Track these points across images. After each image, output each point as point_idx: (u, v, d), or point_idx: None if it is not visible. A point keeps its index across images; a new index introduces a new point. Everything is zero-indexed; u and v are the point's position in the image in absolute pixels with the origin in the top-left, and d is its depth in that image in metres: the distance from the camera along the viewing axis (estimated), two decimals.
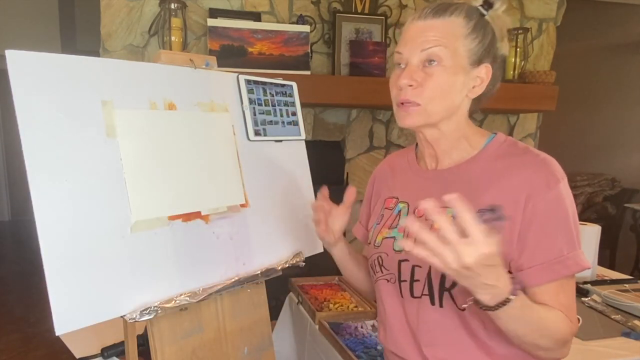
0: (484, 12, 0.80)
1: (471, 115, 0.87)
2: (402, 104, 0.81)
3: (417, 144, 0.95)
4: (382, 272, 0.92)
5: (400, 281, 0.88)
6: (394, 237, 0.90)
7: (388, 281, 0.91)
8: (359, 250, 1.09)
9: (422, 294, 0.84)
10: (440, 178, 0.87)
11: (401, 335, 0.90)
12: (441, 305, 0.82)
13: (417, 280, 0.84)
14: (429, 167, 0.90)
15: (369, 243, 0.98)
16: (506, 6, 0.82)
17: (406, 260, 0.86)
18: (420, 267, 0.84)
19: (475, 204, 0.79)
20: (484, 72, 0.81)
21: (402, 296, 0.88)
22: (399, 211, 0.92)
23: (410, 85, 0.79)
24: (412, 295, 0.86)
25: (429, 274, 0.82)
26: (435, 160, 0.89)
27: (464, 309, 0.79)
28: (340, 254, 1.02)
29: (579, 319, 1.35)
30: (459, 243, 0.59)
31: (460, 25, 0.78)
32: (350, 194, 0.95)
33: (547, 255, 0.74)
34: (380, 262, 0.92)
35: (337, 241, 0.99)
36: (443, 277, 0.80)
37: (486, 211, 0.64)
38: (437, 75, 0.78)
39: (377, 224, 0.97)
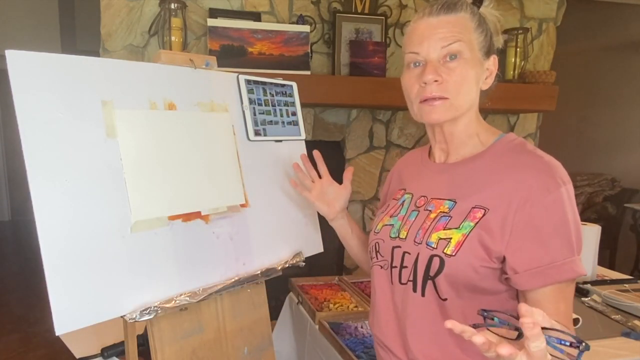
0: (476, 8, 0.83)
1: (481, 110, 0.88)
2: (426, 100, 0.82)
3: None
4: (378, 258, 0.94)
5: (391, 267, 0.89)
6: (392, 225, 0.92)
7: (382, 267, 0.92)
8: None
9: (407, 281, 0.85)
10: (446, 171, 0.88)
11: (386, 322, 0.91)
12: (423, 294, 0.82)
13: (406, 267, 0.86)
14: (438, 161, 0.92)
15: (371, 230, 1.00)
16: (493, 4, 0.85)
17: (399, 247, 0.88)
18: (409, 253, 0.85)
19: (475, 198, 0.80)
20: (493, 63, 0.85)
21: (392, 282, 0.89)
22: (403, 201, 0.94)
23: (436, 81, 0.80)
24: (400, 281, 0.87)
25: (416, 260, 0.83)
26: (446, 154, 0.91)
27: (445, 299, 0.79)
28: (341, 230, 1.11)
29: (579, 319, 1.36)
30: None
31: (469, 19, 0.81)
32: (348, 172, 1.07)
33: (542, 260, 0.73)
34: (377, 248, 0.94)
35: (336, 216, 1.08)
36: (428, 265, 0.81)
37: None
38: (460, 69, 0.80)
39: (382, 213, 0.99)
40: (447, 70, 0.80)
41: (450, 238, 0.79)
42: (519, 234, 0.75)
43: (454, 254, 0.78)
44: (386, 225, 0.94)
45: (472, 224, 0.78)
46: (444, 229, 0.81)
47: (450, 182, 0.86)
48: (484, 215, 0.78)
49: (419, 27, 0.83)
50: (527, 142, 0.85)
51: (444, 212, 0.83)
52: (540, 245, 0.74)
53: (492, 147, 0.85)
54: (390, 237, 0.91)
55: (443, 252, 0.79)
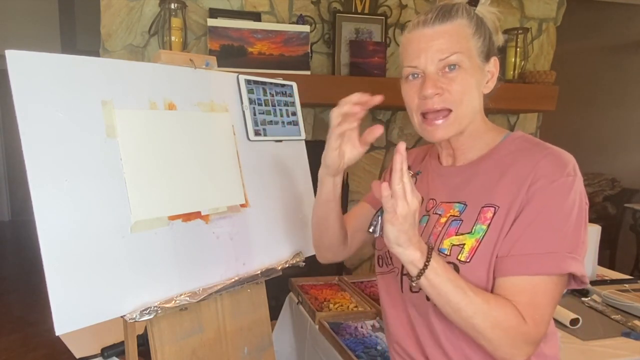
0: (472, 7, 0.81)
1: (486, 112, 0.87)
2: (426, 117, 0.80)
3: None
4: (391, 266, 0.92)
5: (402, 275, 0.88)
6: None
7: (396, 275, 0.91)
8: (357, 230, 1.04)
9: (420, 289, 0.84)
10: (455, 174, 0.87)
11: (402, 329, 0.91)
12: None
13: None
14: (445, 164, 0.90)
15: (382, 235, 0.96)
16: (489, 1, 0.82)
17: None
18: None
19: (487, 197, 0.78)
20: (493, 65, 0.83)
21: (402, 290, 0.89)
22: None
23: (437, 94, 0.78)
24: (410, 290, 0.86)
25: None
26: (453, 158, 0.89)
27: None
28: (329, 188, 0.89)
29: (578, 319, 1.36)
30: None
31: (466, 25, 0.79)
32: (376, 130, 0.82)
33: (526, 248, 0.72)
34: (391, 254, 0.92)
35: (339, 172, 0.87)
36: None
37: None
38: (461, 79, 0.78)
39: None
40: (447, 80, 0.78)
41: (464, 244, 0.78)
42: (519, 221, 0.74)
43: (468, 260, 0.77)
44: None
45: (484, 227, 0.77)
46: (456, 234, 0.80)
47: (459, 184, 0.85)
48: (494, 214, 0.76)
49: (414, 38, 0.80)
50: (533, 137, 0.83)
51: (454, 215, 0.82)
52: (529, 232, 0.72)
53: (500, 146, 0.84)
54: None
55: (457, 258, 0.78)
